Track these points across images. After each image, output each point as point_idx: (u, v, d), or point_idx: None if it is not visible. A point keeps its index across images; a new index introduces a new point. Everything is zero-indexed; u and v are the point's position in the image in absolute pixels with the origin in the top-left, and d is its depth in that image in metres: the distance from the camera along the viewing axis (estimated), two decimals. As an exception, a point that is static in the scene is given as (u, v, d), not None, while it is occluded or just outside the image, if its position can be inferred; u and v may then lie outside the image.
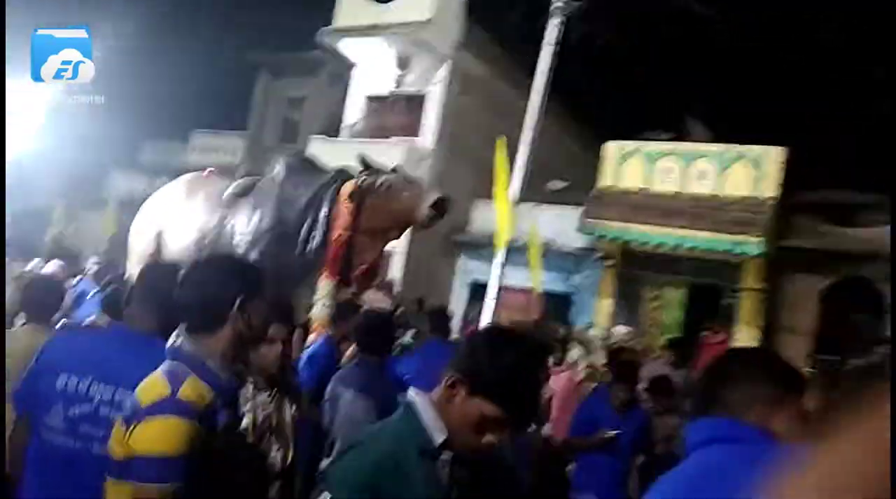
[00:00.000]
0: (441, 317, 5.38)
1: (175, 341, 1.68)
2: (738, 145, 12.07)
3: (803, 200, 12.62)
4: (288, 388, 2.92)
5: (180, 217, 6.45)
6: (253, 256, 5.80)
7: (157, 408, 1.57)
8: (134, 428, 1.58)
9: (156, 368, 1.69)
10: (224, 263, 1.94)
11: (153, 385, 1.62)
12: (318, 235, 5.61)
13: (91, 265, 9.18)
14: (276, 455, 2.66)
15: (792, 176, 12.24)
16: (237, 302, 1.66)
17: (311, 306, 5.60)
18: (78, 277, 8.07)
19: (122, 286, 5.16)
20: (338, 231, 5.57)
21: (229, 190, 6.28)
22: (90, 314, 4.84)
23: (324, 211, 5.67)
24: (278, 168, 6.30)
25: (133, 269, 6.89)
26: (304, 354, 4.37)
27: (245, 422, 2.57)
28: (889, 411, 0.46)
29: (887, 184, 11.85)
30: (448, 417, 1.50)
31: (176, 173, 9.04)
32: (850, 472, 0.47)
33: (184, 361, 1.65)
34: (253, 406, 2.64)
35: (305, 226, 5.65)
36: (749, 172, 11.86)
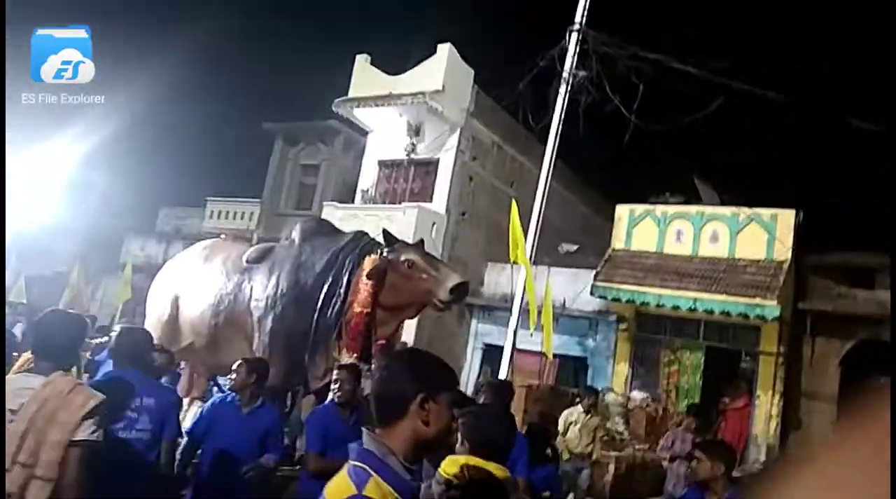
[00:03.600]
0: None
1: (361, 439, 1.69)
2: (748, 208, 12.12)
3: (820, 263, 12.55)
4: None
5: (197, 282, 6.49)
6: (269, 320, 5.79)
7: None
8: None
9: None
10: (412, 357, 1.95)
11: (340, 485, 1.62)
12: (336, 304, 5.60)
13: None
14: None
15: (806, 238, 12.22)
16: (417, 399, 1.66)
17: (342, 368, 5.50)
18: (97, 344, 8.05)
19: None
20: (357, 307, 5.55)
21: (246, 255, 6.34)
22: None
23: (343, 280, 5.66)
24: (295, 233, 6.35)
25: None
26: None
27: None
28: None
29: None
30: None
31: (192, 239, 9.18)
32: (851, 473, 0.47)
33: (366, 460, 1.63)
34: None
35: (323, 291, 5.67)
36: (762, 234, 11.87)
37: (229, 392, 4.64)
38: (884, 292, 11.79)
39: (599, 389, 11.74)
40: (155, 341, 4.71)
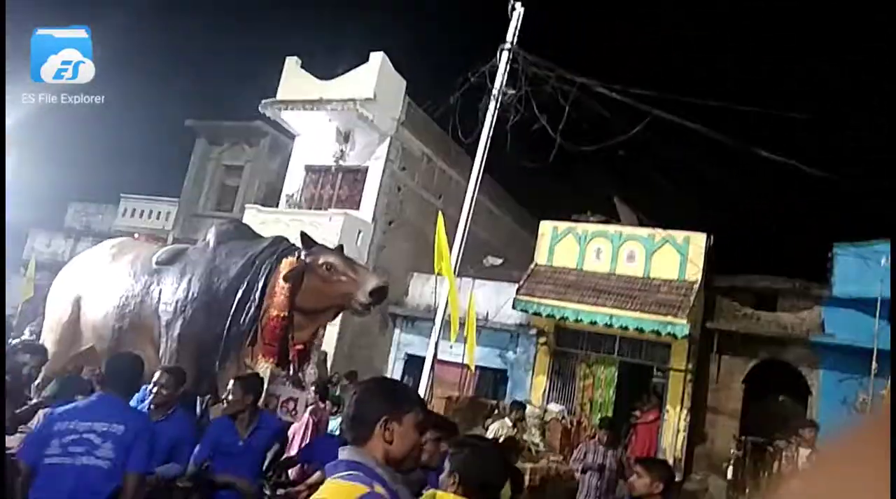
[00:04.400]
0: None
1: (342, 454, 1.83)
2: (663, 230, 12.65)
3: (727, 285, 13.23)
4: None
5: (102, 283, 6.12)
6: (178, 325, 5.53)
7: None
8: None
9: None
10: (378, 384, 2.11)
11: (341, 490, 1.69)
12: (250, 309, 5.41)
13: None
14: None
15: (716, 261, 12.85)
16: (381, 420, 1.84)
17: (237, 380, 5.34)
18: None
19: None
20: (274, 311, 5.39)
21: (156, 256, 6.03)
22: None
23: (259, 284, 5.49)
24: (210, 235, 6.11)
25: (47, 335, 6.43)
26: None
27: None
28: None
29: (806, 270, 12.57)
30: None
31: (102, 237, 8.69)
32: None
33: (359, 469, 1.76)
34: None
35: (237, 298, 5.46)
36: (675, 255, 12.39)
37: (145, 397, 4.43)
38: (785, 315, 12.54)
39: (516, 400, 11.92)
40: (48, 344, 4.42)
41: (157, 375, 4.27)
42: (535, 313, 12.59)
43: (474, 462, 2.56)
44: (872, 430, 0.49)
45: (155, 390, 4.21)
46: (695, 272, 12.11)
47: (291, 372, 5.50)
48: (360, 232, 14.19)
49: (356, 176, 15.22)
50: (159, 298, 5.71)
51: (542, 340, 13.07)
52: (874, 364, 10.27)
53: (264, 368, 5.16)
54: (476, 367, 12.71)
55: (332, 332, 13.30)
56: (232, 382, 4.38)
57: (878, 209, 11.39)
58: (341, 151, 15.07)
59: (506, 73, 9.37)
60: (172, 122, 18.80)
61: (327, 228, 13.35)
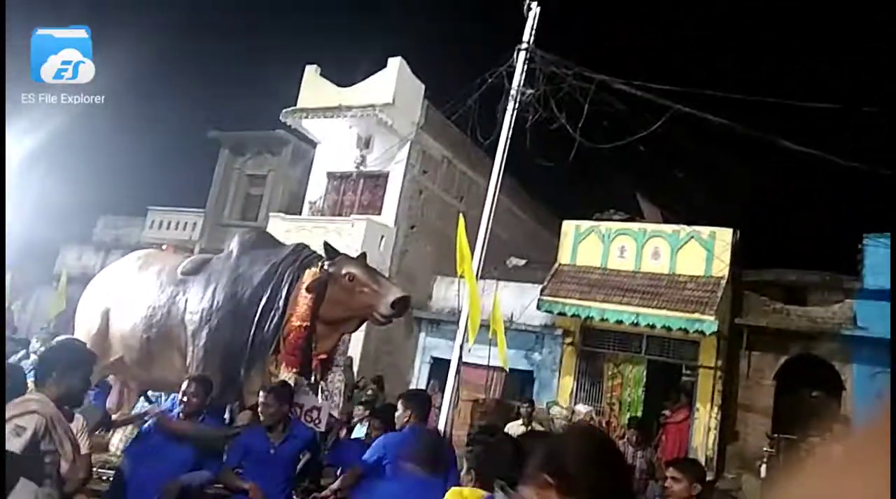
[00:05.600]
0: (418, 398, 4.70)
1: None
2: (688, 226, 12.48)
3: (755, 280, 13.00)
4: None
5: (130, 294, 6.23)
6: (204, 334, 5.60)
7: None
8: None
9: None
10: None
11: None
12: (273, 318, 5.47)
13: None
14: None
15: (743, 256, 12.64)
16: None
17: (271, 390, 5.38)
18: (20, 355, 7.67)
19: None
20: (296, 321, 5.45)
21: (181, 266, 6.13)
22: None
23: (282, 294, 5.55)
24: (233, 244, 6.19)
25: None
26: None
27: None
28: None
29: (836, 263, 12.32)
30: None
31: (131, 250, 8.84)
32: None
33: None
34: None
35: (261, 305, 5.53)
36: (700, 251, 12.22)
37: (174, 406, 4.53)
38: (816, 309, 12.29)
39: (544, 402, 11.85)
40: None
41: (184, 384, 4.34)
42: (560, 314, 12.51)
43: (487, 457, 2.57)
44: (873, 429, 0.48)
45: (186, 399, 4.29)
46: (721, 268, 11.93)
47: (314, 381, 5.54)
48: (382, 237, 14.25)
49: (377, 181, 15.29)
50: (185, 308, 5.80)
51: (568, 340, 12.98)
52: (910, 357, 10.01)
53: (287, 377, 5.21)
54: (503, 369, 12.69)
55: (357, 337, 13.37)
56: (265, 392, 4.42)
57: (909, 199, 11.08)
58: (362, 156, 15.16)
59: (523, 73, 9.35)
60: (196, 133, 19.04)
61: (350, 234, 13.44)
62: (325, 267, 5.54)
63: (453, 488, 2.59)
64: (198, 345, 5.57)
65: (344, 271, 5.49)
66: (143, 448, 4.20)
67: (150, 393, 6.75)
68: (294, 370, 5.36)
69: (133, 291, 6.21)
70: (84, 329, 6.53)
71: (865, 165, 8.15)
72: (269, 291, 5.56)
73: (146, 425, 4.45)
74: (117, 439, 5.80)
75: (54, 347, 2.95)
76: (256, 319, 5.48)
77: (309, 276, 5.47)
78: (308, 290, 5.40)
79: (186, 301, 5.82)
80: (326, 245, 5.71)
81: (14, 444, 2.49)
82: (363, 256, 5.96)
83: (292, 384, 4.97)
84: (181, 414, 4.32)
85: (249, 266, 5.78)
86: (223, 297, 5.63)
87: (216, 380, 4.83)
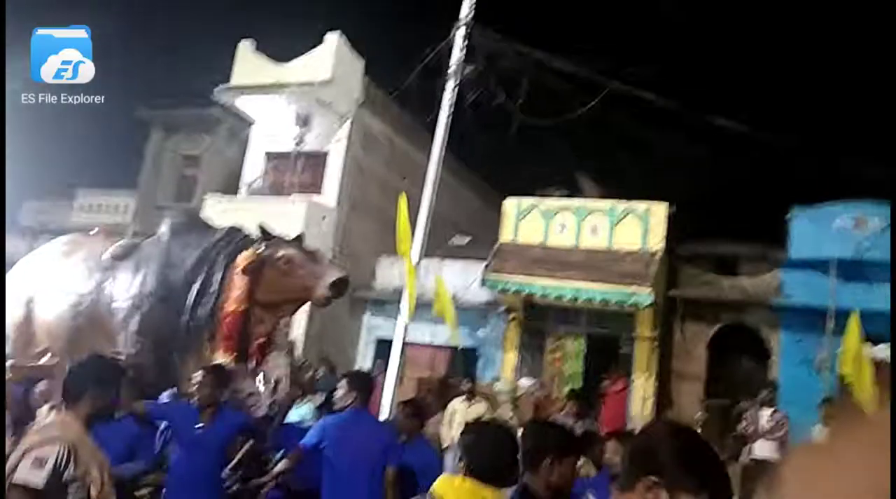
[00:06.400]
0: (363, 380, 4.63)
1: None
2: (626, 201, 12.78)
3: (690, 252, 13.46)
4: None
5: (54, 281, 5.95)
6: (135, 321, 5.42)
7: None
8: None
9: None
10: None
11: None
12: (208, 303, 5.33)
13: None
14: None
15: (679, 229, 13.05)
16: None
17: (206, 373, 5.27)
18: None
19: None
20: (232, 305, 5.32)
21: (109, 251, 5.88)
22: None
23: (216, 277, 5.39)
24: (163, 228, 5.98)
25: (-1, 339, 6.24)
26: None
27: None
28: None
29: (766, 235, 12.85)
30: None
31: (59, 235, 8.41)
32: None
33: None
34: None
35: (193, 291, 5.35)
36: (637, 226, 12.54)
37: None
38: (746, 279, 12.83)
39: (488, 377, 12.03)
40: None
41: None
42: (503, 290, 12.66)
43: (478, 447, 2.57)
44: (873, 429, 0.48)
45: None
46: (657, 241, 12.28)
47: (254, 366, 5.45)
48: (324, 217, 14.05)
49: (317, 160, 15.02)
50: (113, 295, 5.58)
51: (512, 316, 13.16)
52: (831, 323, 10.59)
53: (225, 362, 5.10)
54: (447, 347, 12.78)
55: (300, 318, 13.21)
56: (201, 373, 4.34)
57: (833, 171, 11.63)
58: (301, 135, 14.84)
59: (463, 50, 9.29)
60: (125, 111, 18.20)
61: (291, 214, 13.17)
62: (261, 250, 5.42)
63: (444, 474, 2.60)
64: (129, 332, 5.38)
65: (280, 254, 5.39)
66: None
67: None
68: (232, 355, 5.25)
69: (58, 278, 5.93)
70: (6, 319, 6.21)
71: (793, 140, 8.51)
72: (202, 276, 5.40)
73: None
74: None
75: (84, 363, 2.82)
76: (190, 304, 5.32)
77: (243, 259, 5.33)
78: (243, 272, 5.28)
79: (114, 288, 5.61)
80: (262, 227, 5.58)
81: (36, 477, 2.35)
82: (300, 237, 5.85)
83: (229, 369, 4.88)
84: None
85: (181, 251, 5.60)
86: (154, 282, 5.45)
87: (150, 366, 4.69)
